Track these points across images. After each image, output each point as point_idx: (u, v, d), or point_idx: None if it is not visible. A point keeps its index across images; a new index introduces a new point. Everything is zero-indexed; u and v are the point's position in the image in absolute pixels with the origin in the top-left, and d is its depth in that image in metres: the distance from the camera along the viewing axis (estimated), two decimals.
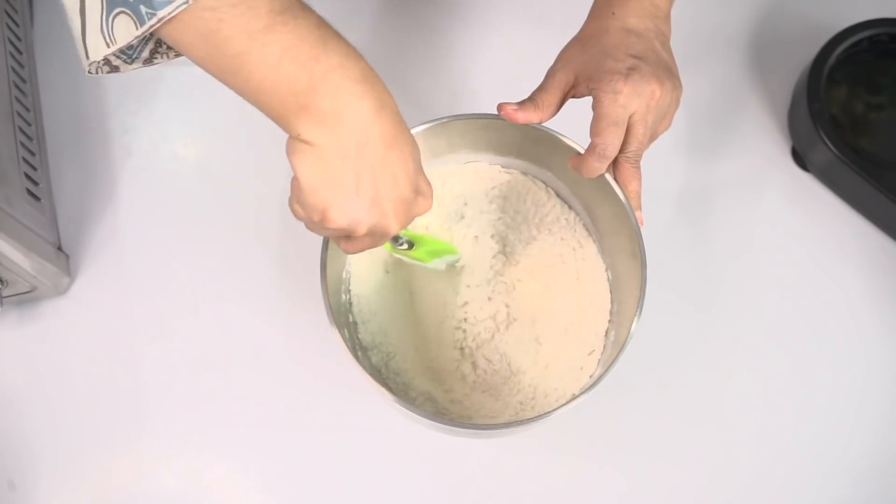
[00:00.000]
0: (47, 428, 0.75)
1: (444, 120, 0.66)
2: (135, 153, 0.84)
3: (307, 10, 0.47)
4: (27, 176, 0.75)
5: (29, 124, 0.79)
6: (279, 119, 0.48)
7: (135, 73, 0.88)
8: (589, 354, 0.70)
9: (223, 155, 0.84)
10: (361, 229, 0.50)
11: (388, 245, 0.68)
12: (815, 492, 0.73)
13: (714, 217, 0.81)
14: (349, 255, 0.72)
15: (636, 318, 0.61)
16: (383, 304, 0.72)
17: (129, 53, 0.51)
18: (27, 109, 0.79)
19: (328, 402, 0.75)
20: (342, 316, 0.69)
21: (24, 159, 0.76)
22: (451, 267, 0.73)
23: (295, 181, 0.49)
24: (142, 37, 0.46)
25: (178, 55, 0.54)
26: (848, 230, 0.81)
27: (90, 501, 0.73)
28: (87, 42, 0.47)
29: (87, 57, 0.48)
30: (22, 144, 0.76)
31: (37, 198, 0.76)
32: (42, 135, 0.82)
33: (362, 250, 0.55)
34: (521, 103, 0.61)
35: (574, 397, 0.61)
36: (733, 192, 0.82)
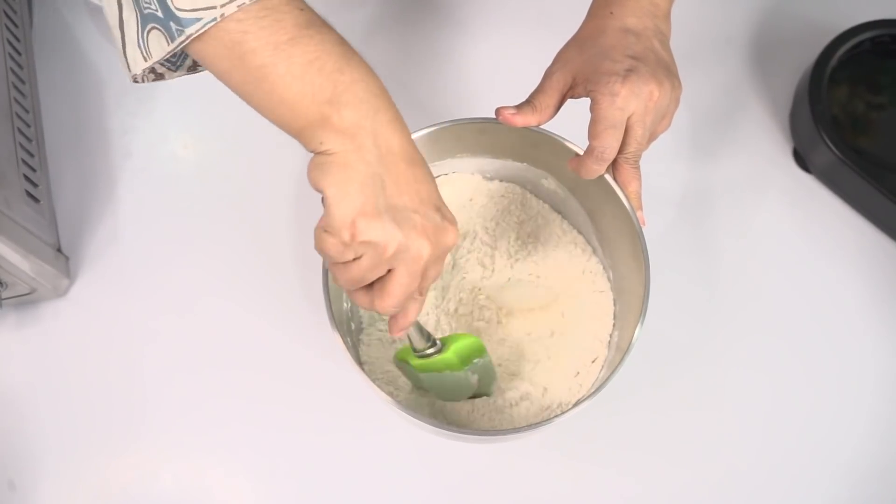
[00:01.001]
0: (47, 429, 0.75)
1: (445, 125, 0.66)
2: (134, 154, 0.83)
3: (329, 27, 0.48)
4: (26, 177, 0.75)
5: (28, 125, 0.78)
6: (299, 132, 0.48)
7: None
8: (592, 362, 0.70)
9: (223, 156, 0.84)
10: (392, 245, 0.47)
11: (410, 356, 0.62)
12: (815, 491, 0.73)
13: (715, 218, 0.81)
14: None
15: (640, 324, 0.61)
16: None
17: (173, 61, 0.51)
18: (26, 110, 0.79)
19: (329, 404, 0.74)
20: (344, 324, 0.68)
21: (24, 161, 0.75)
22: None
23: (324, 208, 0.48)
24: (173, 52, 0.46)
25: None
26: (849, 231, 0.81)
27: (90, 501, 0.73)
28: (127, 55, 0.48)
29: (129, 69, 0.49)
30: (21, 146, 0.76)
31: (36, 199, 0.76)
32: (41, 136, 0.81)
33: (400, 297, 0.50)
34: (519, 106, 0.61)
35: (578, 402, 0.60)
36: (734, 193, 0.82)
